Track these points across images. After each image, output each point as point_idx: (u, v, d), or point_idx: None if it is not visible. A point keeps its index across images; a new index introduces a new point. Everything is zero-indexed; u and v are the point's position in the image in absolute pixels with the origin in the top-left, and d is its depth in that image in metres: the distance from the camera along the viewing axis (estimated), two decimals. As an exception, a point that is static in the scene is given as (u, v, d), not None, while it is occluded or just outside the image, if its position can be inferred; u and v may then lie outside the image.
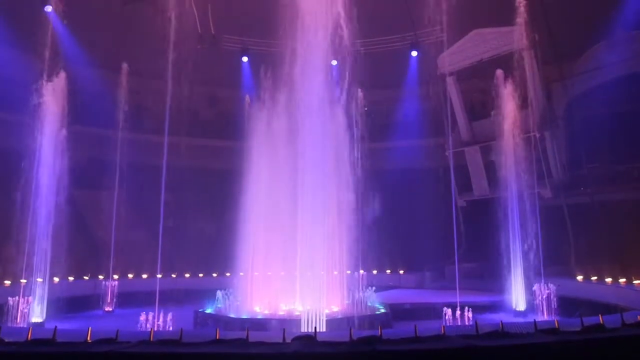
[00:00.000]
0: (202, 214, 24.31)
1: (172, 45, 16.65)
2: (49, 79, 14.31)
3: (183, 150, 22.03)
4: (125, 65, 21.05)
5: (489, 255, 17.34)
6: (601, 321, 6.78)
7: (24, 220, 13.37)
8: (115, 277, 17.95)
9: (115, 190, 19.56)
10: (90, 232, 21.61)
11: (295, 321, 11.72)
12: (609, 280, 15.90)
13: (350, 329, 6.14)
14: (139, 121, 22.46)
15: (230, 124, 24.47)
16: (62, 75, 14.54)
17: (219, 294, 14.39)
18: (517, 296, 15.65)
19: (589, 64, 22.11)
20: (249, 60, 27.57)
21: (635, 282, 15.03)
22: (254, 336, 5.81)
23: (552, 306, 14.65)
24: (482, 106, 24.25)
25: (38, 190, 13.57)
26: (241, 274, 14.65)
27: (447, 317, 12.94)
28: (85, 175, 19.21)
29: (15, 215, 13.56)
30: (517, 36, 19.81)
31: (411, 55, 27.26)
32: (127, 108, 20.84)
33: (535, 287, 15.22)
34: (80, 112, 20.63)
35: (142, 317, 12.10)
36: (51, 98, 14.24)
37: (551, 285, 14.99)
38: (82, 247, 19.42)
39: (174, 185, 17.22)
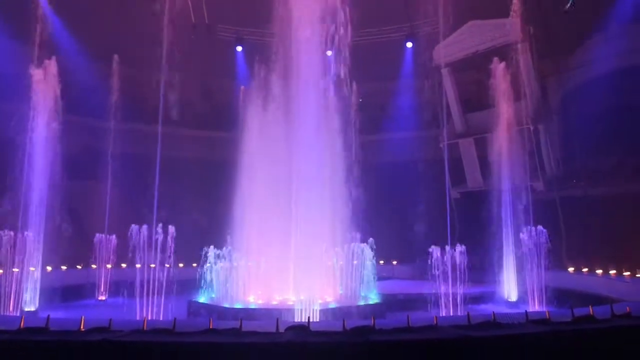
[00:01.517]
0: (195, 204, 24.25)
1: (166, 35, 16.53)
2: (42, 68, 14.17)
3: (176, 141, 21.93)
4: (117, 56, 20.93)
5: (481, 247, 17.45)
6: (591, 312, 6.86)
7: (15, 209, 13.30)
8: (109, 266, 17.91)
9: (109, 181, 19.49)
10: (82, 222, 21.52)
11: (288, 311, 11.77)
12: (599, 272, 16.05)
13: (344, 319, 6.17)
14: (133, 111, 22.32)
15: (224, 114, 24.39)
16: (55, 64, 14.39)
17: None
18: (509, 287, 15.79)
19: (584, 58, 22.17)
20: (243, 50, 27.40)
21: (626, 273, 15.19)
22: (247, 326, 5.82)
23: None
24: (476, 98, 24.29)
25: (30, 180, 13.49)
26: (235, 264, 14.65)
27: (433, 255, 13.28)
28: (78, 165, 19.09)
29: (7, 204, 13.48)
30: (512, 28, 19.81)
31: (406, 47, 27.19)
32: (121, 98, 20.71)
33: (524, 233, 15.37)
34: (73, 102, 20.48)
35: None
36: (44, 87, 14.11)
37: (540, 228, 15.13)
38: (75, 237, 19.34)
39: (167, 175, 17.16)
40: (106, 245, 18.09)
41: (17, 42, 18.99)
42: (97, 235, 18.26)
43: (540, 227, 15.03)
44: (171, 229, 12.82)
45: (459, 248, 13.59)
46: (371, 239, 15.47)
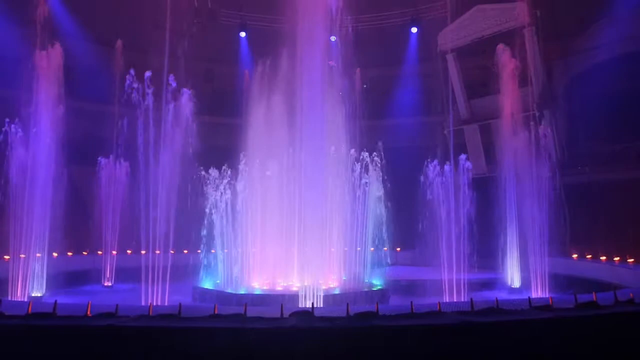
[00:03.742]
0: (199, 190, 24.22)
1: (169, 20, 16.41)
2: (45, 53, 14.12)
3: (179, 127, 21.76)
4: (120, 40, 20.83)
5: (485, 233, 17.45)
6: (594, 298, 6.86)
7: (21, 196, 13.33)
8: (114, 252, 18.02)
9: (112, 166, 19.50)
10: (87, 208, 21.61)
11: (292, 297, 11.83)
12: (603, 258, 16.05)
13: (347, 305, 6.20)
14: (135, 96, 22.25)
15: (228, 100, 24.29)
16: (58, 49, 14.34)
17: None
18: (512, 274, 15.82)
19: (590, 42, 21.89)
20: (246, 36, 27.23)
21: (629, 260, 15.18)
22: (252, 311, 5.86)
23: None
24: (481, 84, 24.11)
25: (35, 166, 13.52)
26: (239, 249, 14.71)
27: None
28: (81, 150, 19.11)
29: (12, 191, 13.53)
30: (518, 13, 19.57)
31: (411, 32, 26.95)
32: (123, 83, 20.60)
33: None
34: (76, 87, 20.47)
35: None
36: (47, 72, 14.07)
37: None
38: (81, 223, 19.44)
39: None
40: (115, 173, 18.14)
41: (16, 25, 18.91)
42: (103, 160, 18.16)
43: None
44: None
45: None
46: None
